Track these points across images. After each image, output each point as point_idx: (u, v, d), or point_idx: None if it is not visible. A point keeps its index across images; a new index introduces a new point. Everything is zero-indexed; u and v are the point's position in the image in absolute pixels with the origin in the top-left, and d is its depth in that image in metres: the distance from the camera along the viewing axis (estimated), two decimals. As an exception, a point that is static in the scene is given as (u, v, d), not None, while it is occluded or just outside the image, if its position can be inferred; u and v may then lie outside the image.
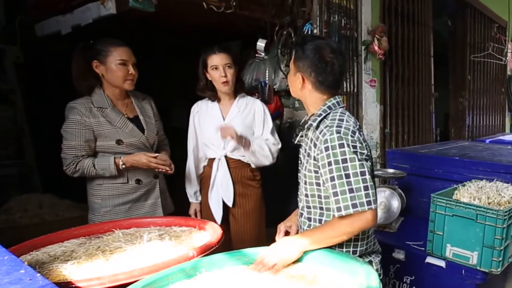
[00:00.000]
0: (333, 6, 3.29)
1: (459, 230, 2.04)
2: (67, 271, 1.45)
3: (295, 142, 1.83)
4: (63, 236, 1.82)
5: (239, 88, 2.68)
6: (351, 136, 1.56)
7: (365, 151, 1.60)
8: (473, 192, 2.12)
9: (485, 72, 6.32)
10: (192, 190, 2.75)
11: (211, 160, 2.66)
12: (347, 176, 1.51)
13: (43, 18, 3.11)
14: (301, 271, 1.46)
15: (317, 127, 1.65)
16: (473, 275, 2.02)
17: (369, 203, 1.50)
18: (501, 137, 5.28)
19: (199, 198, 2.76)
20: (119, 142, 2.25)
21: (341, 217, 1.52)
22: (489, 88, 6.50)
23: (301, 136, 1.78)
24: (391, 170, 2.82)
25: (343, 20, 3.41)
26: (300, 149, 1.81)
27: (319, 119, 1.66)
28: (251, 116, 2.65)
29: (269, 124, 2.70)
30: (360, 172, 1.52)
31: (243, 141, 2.51)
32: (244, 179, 2.65)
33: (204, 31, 3.53)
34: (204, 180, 2.73)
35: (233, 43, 4.04)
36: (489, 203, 2.02)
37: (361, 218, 1.51)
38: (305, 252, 1.54)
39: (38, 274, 1.07)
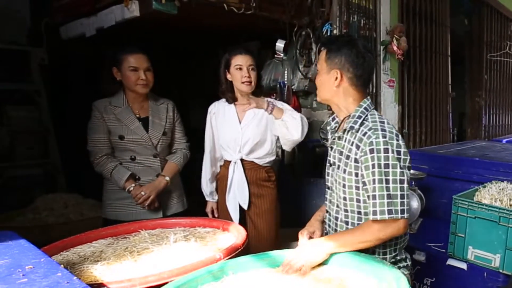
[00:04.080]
0: (352, 6, 3.29)
1: (481, 232, 2.03)
2: (98, 272, 1.48)
3: (328, 145, 1.83)
4: (91, 237, 1.87)
5: (258, 93, 2.65)
6: (396, 141, 1.58)
7: (408, 157, 1.61)
8: (494, 194, 2.12)
9: (502, 71, 6.26)
10: (208, 190, 2.77)
11: (228, 162, 2.67)
12: (387, 181, 1.53)
13: (68, 20, 3.16)
14: (328, 274, 1.47)
15: (357, 129, 1.65)
16: (495, 278, 2.01)
17: (402, 211, 1.52)
18: (518, 137, 5.23)
19: (215, 197, 2.78)
20: (121, 137, 2.45)
21: (375, 221, 1.54)
22: (506, 88, 6.43)
23: (334, 139, 1.78)
24: (410, 171, 2.79)
25: (362, 20, 3.42)
26: (331, 152, 1.79)
27: (359, 121, 1.65)
28: (266, 117, 2.60)
29: None
30: (400, 180, 1.54)
31: (265, 105, 2.42)
32: (259, 180, 2.64)
33: (223, 32, 3.55)
34: (220, 180, 2.74)
35: (251, 44, 4.05)
36: (511, 205, 2.01)
37: (394, 225, 1.53)
38: (332, 255, 1.54)
39: (75, 277, 1.09)
